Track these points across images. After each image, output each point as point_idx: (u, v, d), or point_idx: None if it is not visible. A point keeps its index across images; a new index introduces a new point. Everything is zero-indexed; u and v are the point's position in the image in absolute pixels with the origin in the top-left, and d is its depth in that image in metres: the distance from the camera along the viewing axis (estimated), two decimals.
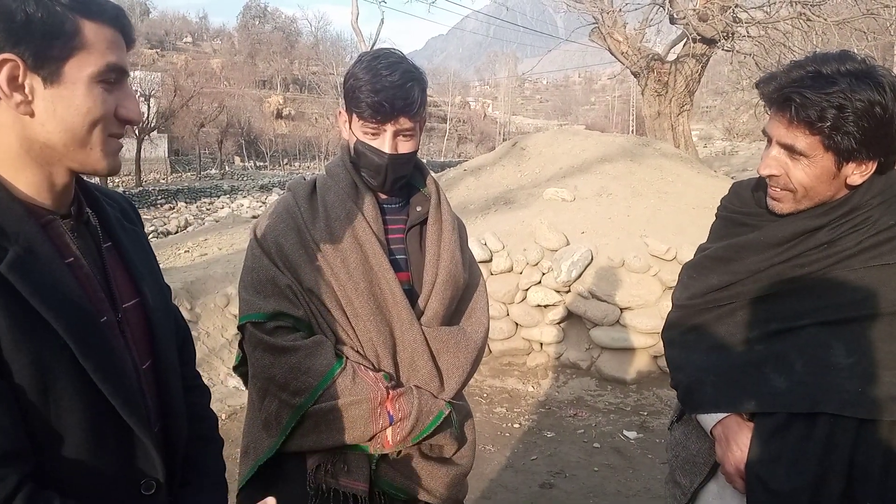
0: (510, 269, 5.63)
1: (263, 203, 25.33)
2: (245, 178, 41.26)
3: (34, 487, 0.93)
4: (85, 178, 1.19)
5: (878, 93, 1.34)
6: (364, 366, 1.67)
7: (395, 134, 1.65)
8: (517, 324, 5.56)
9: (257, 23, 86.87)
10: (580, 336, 5.48)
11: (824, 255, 1.47)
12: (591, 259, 5.51)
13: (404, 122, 1.64)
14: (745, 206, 1.67)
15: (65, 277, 1.00)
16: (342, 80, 1.74)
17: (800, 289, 1.50)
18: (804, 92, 1.37)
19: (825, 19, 10.36)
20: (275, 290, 1.65)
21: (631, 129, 51.80)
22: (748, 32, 11.52)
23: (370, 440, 1.64)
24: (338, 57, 72.74)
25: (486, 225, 6.34)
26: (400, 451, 1.69)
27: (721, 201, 1.78)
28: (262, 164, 54.47)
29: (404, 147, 1.68)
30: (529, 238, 5.86)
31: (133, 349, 1.12)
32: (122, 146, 1.10)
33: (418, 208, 1.80)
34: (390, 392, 1.64)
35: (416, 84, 1.65)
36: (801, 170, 1.44)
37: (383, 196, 1.78)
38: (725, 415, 1.55)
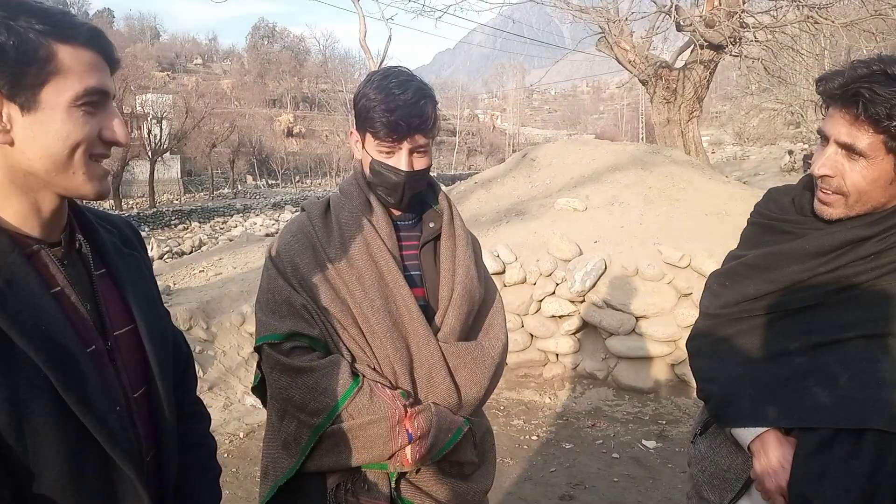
0: (524, 281, 5.62)
1: (276, 221, 25.43)
2: (257, 197, 41.50)
3: None
4: (85, 203, 1.19)
5: None
6: (381, 383, 1.66)
7: (411, 151, 1.67)
8: (532, 335, 5.54)
9: (266, 43, 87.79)
10: (596, 346, 5.45)
11: (871, 266, 1.42)
12: (605, 268, 5.49)
13: (419, 139, 1.66)
14: (784, 212, 1.61)
15: (48, 308, 0.98)
16: (352, 98, 1.75)
17: (844, 300, 1.44)
18: (874, 87, 1.32)
19: (833, 21, 10.32)
20: (290, 311, 1.66)
21: (640, 136, 51.69)
22: (755, 37, 11.49)
23: (389, 458, 1.63)
24: (346, 74, 73.32)
25: (498, 237, 6.34)
26: (419, 469, 1.68)
27: (755, 207, 1.72)
28: (273, 182, 54.82)
29: (420, 164, 1.69)
30: (542, 249, 5.85)
31: (124, 377, 1.10)
32: (109, 170, 1.09)
33: (431, 224, 1.81)
34: (408, 410, 1.63)
35: (428, 101, 1.66)
36: (859, 172, 1.38)
37: (396, 213, 1.79)
38: (764, 429, 1.49)
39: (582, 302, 5.45)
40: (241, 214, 30.64)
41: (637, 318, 5.28)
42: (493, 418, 4.93)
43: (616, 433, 4.62)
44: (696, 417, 1.78)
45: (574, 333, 5.48)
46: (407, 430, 1.62)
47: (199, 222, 28.56)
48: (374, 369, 1.68)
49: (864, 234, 1.43)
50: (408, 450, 1.63)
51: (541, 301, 5.53)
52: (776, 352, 1.52)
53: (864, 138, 1.35)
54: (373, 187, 1.75)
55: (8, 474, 0.93)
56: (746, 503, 1.58)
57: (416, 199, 1.78)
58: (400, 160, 1.66)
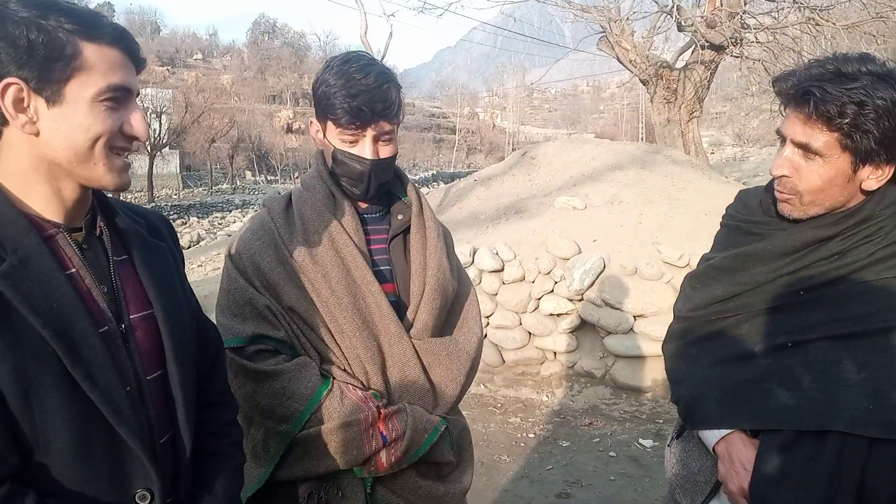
0: (522, 279, 5.62)
1: None
2: (256, 193, 41.46)
3: (13, 488, 0.96)
4: (111, 195, 1.26)
5: None
6: (353, 385, 1.60)
7: (375, 139, 1.59)
8: (530, 333, 5.55)
9: (267, 38, 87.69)
10: (594, 344, 5.46)
11: (835, 265, 1.41)
12: (604, 267, 5.50)
13: (384, 126, 1.58)
14: (752, 214, 1.61)
15: (60, 287, 1.04)
16: (312, 87, 1.66)
17: (809, 301, 1.44)
18: (825, 86, 1.32)
19: (834, 23, 10.32)
20: (253, 312, 1.58)
21: (640, 136, 51.70)
22: (756, 38, 11.49)
23: (363, 464, 1.57)
24: None
25: (497, 234, 6.34)
26: (395, 472, 1.62)
27: (726, 210, 1.72)
28: (272, 178, 54.79)
29: (385, 151, 1.62)
30: (541, 247, 5.86)
31: (137, 359, 1.14)
32: (130, 163, 1.14)
33: (400, 216, 1.73)
34: (382, 411, 1.57)
35: (392, 85, 1.59)
36: (815, 171, 1.38)
37: (363, 206, 1.71)
38: (729, 431, 1.48)
39: (580, 300, 5.45)
40: (239, 210, 30.62)
41: (635, 317, 5.29)
42: (490, 416, 4.94)
43: (613, 431, 4.63)
44: (675, 421, 1.77)
45: (572, 332, 5.49)
46: (381, 433, 1.56)
47: (198, 217, 28.54)
48: (345, 370, 1.62)
49: (827, 233, 1.42)
50: (383, 453, 1.56)
51: (539, 299, 5.54)
52: (742, 354, 1.51)
53: (819, 137, 1.35)
54: (337, 179, 1.67)
55: (16, 443, 0.98)
56: None
57: (384, 190, 1.70)
58: (364, 148, 1.59)
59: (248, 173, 54.47)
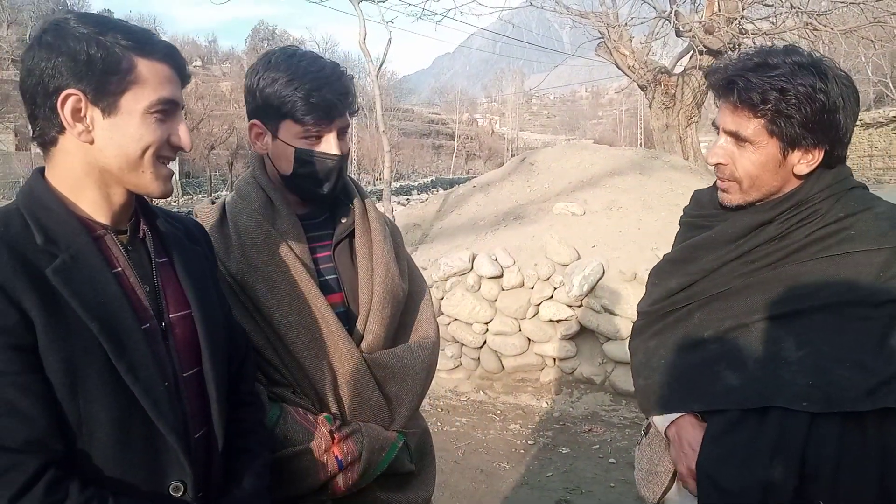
0: (521, 285, 5.61)
1: None
2: None
3: (57, 474, 1.01)
4: (152, 202, 1.33)
5: (820, 80, 1.36)
6: (303, 408, 1.53)
7: (339, 133, 1.54)
8: (529, 339, 5.54)
9: (266, 45, 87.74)
10: (593, 351, 5.45)
11: (775, 248, 1.46)
12: (603, 273, 5.49)
13: (345, 119, 1.54)
14: (702, 208, 1.68)
15: (107, 285, 1.11)
16: (246, 86, 1.57)
17: (752, 284, 1.49)
18: (747, 75, 1.39)
19: (832, 29, 10.34)
20: None
21: (639, 142, 51.79)
22: (754, 43, 11.50)
23: (321, 488, 1.51)
24: None
25: (496, 240, 6.33)
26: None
27: (683, 209, 1.78)
28: None
29: (346, 146, 1.56)
30: (540, 253, 5.85)
31: (175, 356, 1.20)
32: (173, 172, 1.22)
33: (343, 220, 1.65)
34: (335, 435, 1.51)
35: (346, 76, 1.54)
36: (747, 157, 1.44)
37: (303, 212, 1.63)
38: (679, 415, 1.53)
39: (579, 306, 5.44)
40: None
41: None
42: (489, 422, 4.92)
43: (613, 438, 4.62)
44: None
45: (571, 338, 5.47)
46: (336, 458, 1.50)
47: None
48: (294, 392, 1.55)
49: (764, 217, 1.48)
50: (339, 477, 1.51)
51: (538, 305, 5.53)
52: (693, 341, 1.56)
53: (746, 124, 1.42)
54: (289, 185, 1.58)
55: (60, 430, 1.03)
56: (675, 493, 1.60)
57: (340, 190, 1.63)
58: (330, 144, 1.52)
59: None
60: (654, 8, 11.95)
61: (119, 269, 1.16)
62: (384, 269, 1.62)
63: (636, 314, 1.78)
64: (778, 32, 11.18)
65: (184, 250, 1.30)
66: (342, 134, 1.55)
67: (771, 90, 1.36)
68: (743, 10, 11.08)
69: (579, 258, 5.71)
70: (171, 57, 1.16)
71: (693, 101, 11.90)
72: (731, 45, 10.89)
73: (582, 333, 5.49)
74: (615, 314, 5.31)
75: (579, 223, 6.48)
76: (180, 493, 1.15)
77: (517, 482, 4.03)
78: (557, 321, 5.48)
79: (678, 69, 12.44)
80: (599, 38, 12.41)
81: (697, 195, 1.75)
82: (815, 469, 1.33)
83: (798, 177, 1.45)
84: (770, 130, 1.40)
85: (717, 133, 1.50)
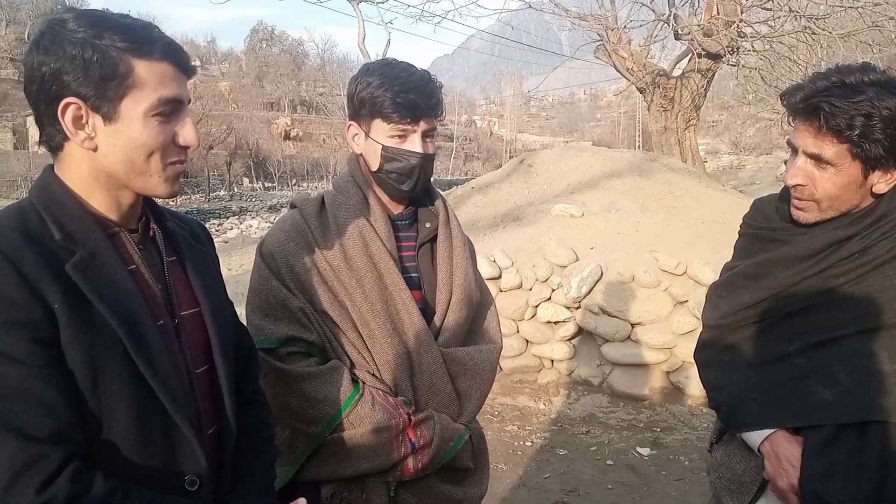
0: (519, 286, 5.61)
1: (272, 224, 25.37)
2: (254, 199, 41.40)
3: (80, 466, 1.02)
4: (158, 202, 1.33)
5: None
6: (382, 390, 1.62)
7: (424, 135, 1.63)
8: (527, 340, 5.54)
9: (264, 46, 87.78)
10: (591, 352, 5.45)
11: (857, 264, 1.47)
12: (601, 275, 5.49)
13: (431, 123, 1.63)
14: (770, 221, 1.67)
15: (124, 281, 1.11)
16: (348, 93, 1.71)
17: (836, 299, 1.49)
18: (832, 101, 1.38)
19: (830, 32, 10.36)
20: (286, 314, 1.60)
21: (637, 144, 51.82)
22: (753, 47, 11.53)
23: (390, 468, 1.59)
24: (344, 78, 73.23)
25: (494, 242, 6.34)
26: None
27: (744, 218, 1.78)
28: (270, 185, 54.72)
29: (431, 147, 1.66)
30: (538, 254, 5.85)
31: (188, 353, 1.21)
32: (182, 170, 1.20)
33: (427, 224, 1.76)
34: (412, 418, 1.59)
35: (435, 84, 1.65)
36: (828, 179, 1.44)
37: (395, 212, 1.74)
38: (772, 431, 1.54)
39: (577, 308, 5.45)
40: (237, 217, 30.58)
41: (633, 325, 5.28)
42: (487, 423, 4.91)
43: (610, 440, 4.61)
44: (712, 426, 1.83)
45: (569, 339, 5.48)
46: (410, 440, 1.58)
47: None
48: (374, 375, 1.63)
49: (846, 233, 1.49)
50: (410, 460, 1.59)
51: (536, 307, 5.53)
52: (777, 355, 1.56)
53: (830, 148, 1.42)
54: (377, 181, 1.70)
55: (81, 423, 1.04)
56: None
57: (424, 189, 1.74)
58: (415, 143, 1.62)
59: (246, 180, 54.40)
60: (653, 11, 11.97)
61: (133, 266, 1.16)
62: (463, 273, 1.73)
63: (702, 326, 1.78)
64: (776, 36, 11.21)
65: (191, 250, 1.31)
66: (428, 136, 1.64)
67: (857, 115, 1.36)
68: (741, 13, 11.10)
69: (578, 260, 5.72)
70: (170, 53, 1.13)
71: (691, 104, 11.92)
72: (730, 49, 10.91)
73: (580, 335, 5.49)
74: (613, 316, 5.31)
75: (578, 225, 6.49)
76: (195, 486, 1.16)
77: (515, 483, 4.02)
78: (555, 323, 5.48)
79: (677, 72, 12.45)
80: (598, 41, 12.43)
81: (760, 205, 1.74)
82: None
83: (875, 195, 1.47)
84: (853, 153, 1.40)
85: (794, 153, 1.50)
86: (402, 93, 1.56)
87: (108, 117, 1.08)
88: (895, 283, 1.44)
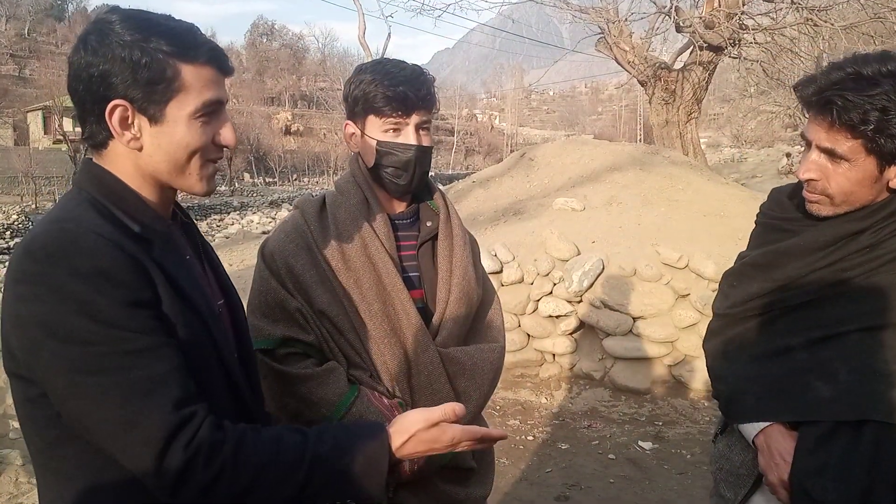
0: (521, 280, 5.60)
1: (273, 219, 25.35)
2: (255, 195, 41.38)
3: (213, 417, 1.09)
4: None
5: None
6: (378, 392, 1.62)
7: (417, 127, 1.64)
8: (529, 335, 5.53)
9: (265, 40, 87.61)
10: (593, 346, 5.45)
11: (867, 258, 1.44)
12: (603, 268, 5.48)
13: (424, 115, 1.64)
14: (785, 211, 1.64)
15: (192, 269, 1.20)
16: (343, 94, 1.73)
17: (843, 294, 1.46)
18: (846, 94, 1.33)
19: (832, 24, 10.32)
20: (284, 315, 1.61)
21: (639, 137, 51.75)
22: (755, 39, 11.49)
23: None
24: (345, 72, 73.03)
25: (495, 236, 6.33)
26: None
27: (760, 208, 1.75)
28: (271, 180, 54.73)
29: (426, 140, 1.66)
30: (540, 248, 5.84)
31: (229, 338, 1.28)
32: (217, 168, 1.25)
33: (428, 223, 1.77)
34: None
35: (427, 77, 1.66)
36: (843, 174, 1.40)
37: (395, 211, 1.74)
38: (768, 424, 1.52)
39: (579, 302, 5.44)
40: (237, 212, 30.58)
41: (634, 319, 5.28)
42: (489, 418, 4.91)
43: (612, 434, 4.62)
44: (715, 419, 1.83)
45: (571, 334, 5.47)
46: None
47: (196, 219, 28.36)
48: (371, 376, 1.64)
49: (858, 227, 1.45)
50: (406, 462, 1.55)
51: (538, 301, 5.52)
52: (779, 348, 1.54)
53: (844, 143, 1.37)
54: (376, 179, 1.70)
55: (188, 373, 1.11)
56: (760, 498, 1.60)
57: (422, 184, 1.74)
58: (408, 136, 1.63)
59: (247, 175, 54.40)
60: (654, 3, 11.93)
61: (189, 256, 1.23)
62: (462, 272, 1.73)
63: (712, 314, 1.77)
64: (778, 28, 11.16)
65: (205, 243, 1.35)
66: (422, 128, 1.65)
67: (872, 110, 1.31)
68: (743, 5, 11.06)
69: (579, 254, 5.71)
70: (214, 59, 1.16)
71: (693, 97, 11.88)
72: (731, 41, 10.87)
73: (581, 329, 5.48)
74: (615, 310, 5.30)
75: (579, 219, 6.48)
76: None
77: (517, 478, 4.03)
78: (557, 317, 5.47)
79: (678, 65, 12.42)
80: (599, 34, 12.38)
81: (777, 195, 1.71)
82: None
83: (892, 190, 1.42)
84: (868, 149, 1.35)
85: (808, 147, 1.46)
86: (393, 87, 1.58)
87: (155, 119, 1.12)
88: None
